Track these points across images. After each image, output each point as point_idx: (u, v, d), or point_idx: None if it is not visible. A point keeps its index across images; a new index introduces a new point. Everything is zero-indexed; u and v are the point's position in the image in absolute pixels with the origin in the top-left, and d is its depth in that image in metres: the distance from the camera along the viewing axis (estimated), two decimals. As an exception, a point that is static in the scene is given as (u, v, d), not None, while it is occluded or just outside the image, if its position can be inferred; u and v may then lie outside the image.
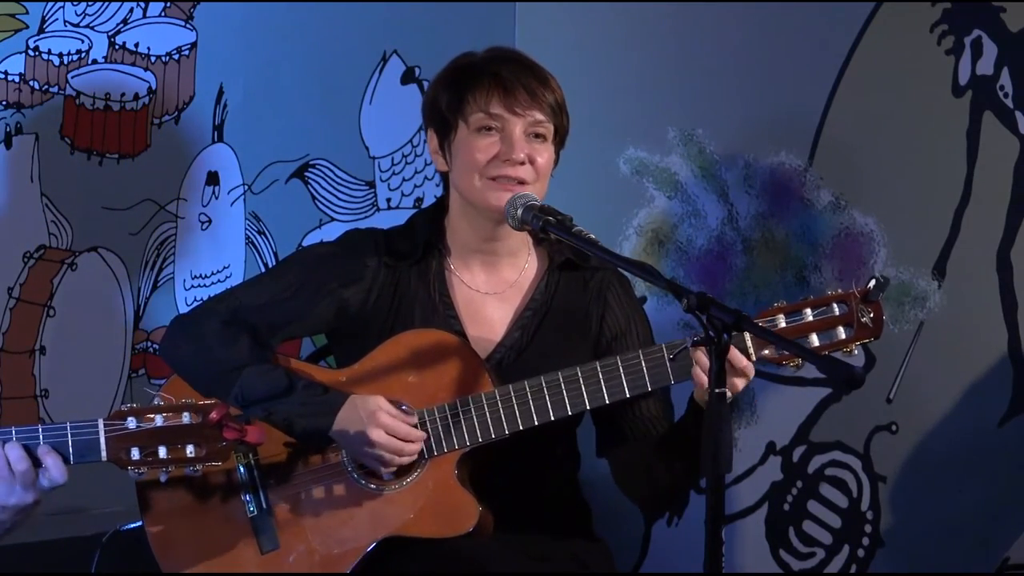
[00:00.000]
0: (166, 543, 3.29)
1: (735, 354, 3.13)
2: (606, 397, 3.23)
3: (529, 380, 3.23)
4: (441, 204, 3.44)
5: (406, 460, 3.22)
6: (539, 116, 3.32)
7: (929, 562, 4.05)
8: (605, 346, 3.40)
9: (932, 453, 4.07)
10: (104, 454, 2.94)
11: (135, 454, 2.93)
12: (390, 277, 3.39)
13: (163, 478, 3.01)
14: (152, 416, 2.94)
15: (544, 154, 3.33)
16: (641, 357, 3.22)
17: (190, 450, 2.95)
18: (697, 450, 3.17)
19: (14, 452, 2.90)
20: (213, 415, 2.94)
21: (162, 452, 2.94)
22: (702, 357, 3.10)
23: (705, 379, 3.07)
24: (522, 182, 3.29)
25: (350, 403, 3.22)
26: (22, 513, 2.96)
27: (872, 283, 3.23)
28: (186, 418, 2.95)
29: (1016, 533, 3.95)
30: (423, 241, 3.39)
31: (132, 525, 3.42)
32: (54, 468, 2.92)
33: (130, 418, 2.94)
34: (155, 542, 3.29)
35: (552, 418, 3.23)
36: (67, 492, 3.71)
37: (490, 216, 3.31)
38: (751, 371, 3.16)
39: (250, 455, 3.26)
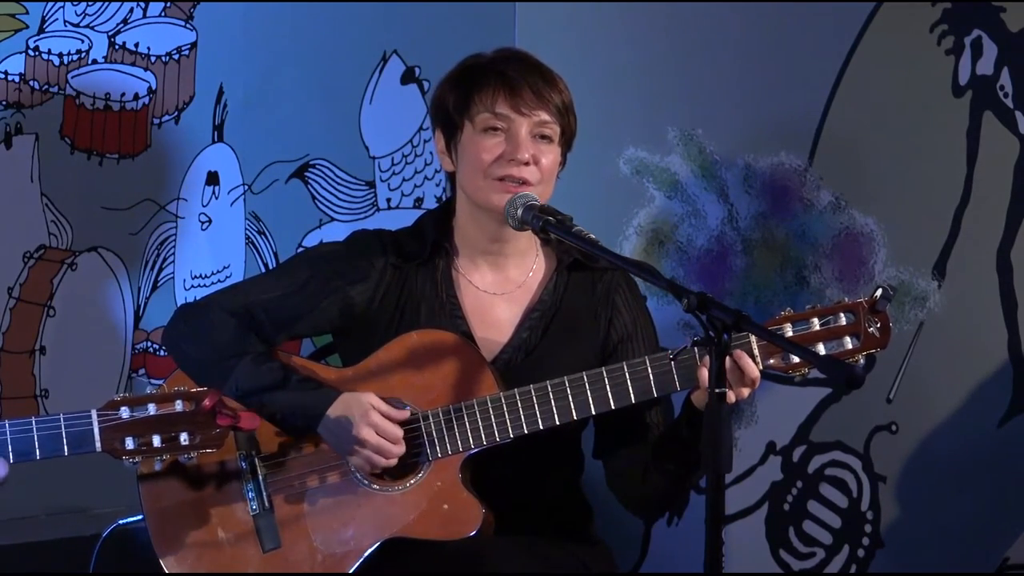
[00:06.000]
0: (167, 540, 3.28)
1: (747, 363, 3.13)
2: (612, 403, 3.22)
3: (535, 385, 3.22)
4: (449, 205, 3.44)
5: (390, 463, 3.21)
6: (545, 116, 3.31)
7: (929, 562, 4.05)
8: (611, 348, 3.40)
9: (932, 453, 4.06)
10: (98, 444, 2.92)
11: (129, 443, 2.92)
12: (397, 277, 3.38)
13: (158, 466, 3.00)
14: (145, 405, 2.93)
15: (549, 155, 3.32)
16: (647, 364, 3.21)
17: (184, 438, 2.94)
18: (689, 453, 3.19)
19: None
20: (206, 402, 2.93)
21: (156, 441, 2.93)
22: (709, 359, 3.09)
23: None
24: (526, 183, 3.28)
25: (341, 400, 3.21)
26: None
27: (879, 293, 3.21)
28: (179, 406, 2.94)
29: (1016, 533, 3.95)
30: (431, 242, 3.39)
31: (133, 519, 3.41)
32: None
33: (123, 407, 2.93)
34: (156, 539, 3.29)
35: (557, 423, 3.22)
36: (67, 492, 3.73)
37: (495, 216, 3.30)
38: (758, 381, 3.16)
39: (253, 452, 3.26)
